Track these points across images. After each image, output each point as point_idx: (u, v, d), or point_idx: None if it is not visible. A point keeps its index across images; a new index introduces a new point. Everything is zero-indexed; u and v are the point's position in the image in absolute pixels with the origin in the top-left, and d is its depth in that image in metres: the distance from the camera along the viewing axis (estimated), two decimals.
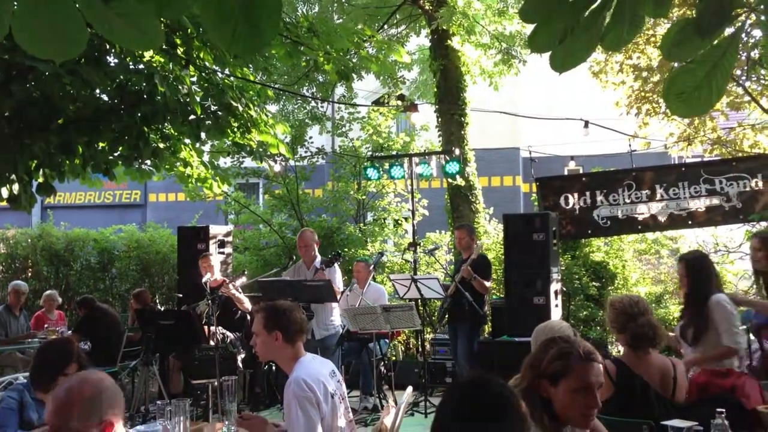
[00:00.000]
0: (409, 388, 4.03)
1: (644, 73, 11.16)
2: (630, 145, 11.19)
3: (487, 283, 7.33)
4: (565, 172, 13.12)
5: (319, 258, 6.89)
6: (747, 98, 10.34)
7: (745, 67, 9.70)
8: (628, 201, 8.50)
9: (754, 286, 5.15)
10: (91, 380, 2.30)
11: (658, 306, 8.93)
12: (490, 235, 10.25)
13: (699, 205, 8.30)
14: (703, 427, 2.98)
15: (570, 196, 8.65)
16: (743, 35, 9.64)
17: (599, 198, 8.58)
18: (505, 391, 1.88)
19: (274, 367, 7.43)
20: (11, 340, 8.34)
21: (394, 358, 8.55)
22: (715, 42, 1.44)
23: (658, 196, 8.41)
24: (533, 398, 2.43)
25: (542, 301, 7.16)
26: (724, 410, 2.79)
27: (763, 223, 8.83)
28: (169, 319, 6.66)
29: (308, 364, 3.44)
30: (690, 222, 8.47)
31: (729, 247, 9.58)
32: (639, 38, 10.83)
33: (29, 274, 11.95)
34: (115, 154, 6.62)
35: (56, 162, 6.34)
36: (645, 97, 11.44)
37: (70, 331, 8.25)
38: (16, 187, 6.23)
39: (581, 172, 11.31)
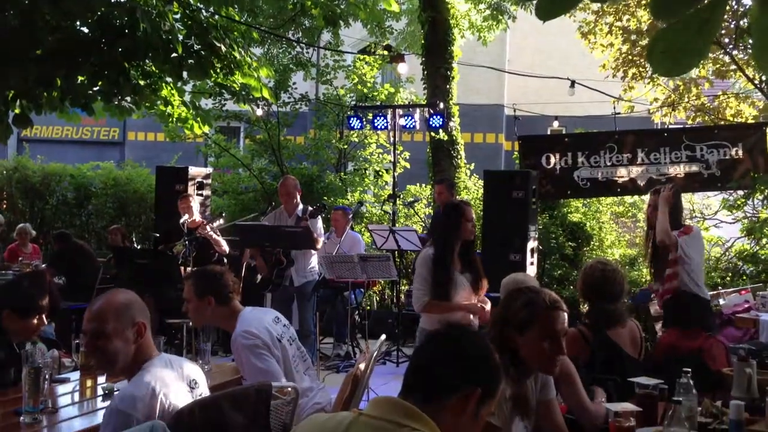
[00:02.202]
0: (383, 337, 4.07)
1: (633, 36, 11.12)
2: (614, 108, 11.20)
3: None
4: (548, 132, 13.14)
5: (300, 206, 6.88)
6: (733, 67, 10.35)
7: (733, 36, 9.69)
8: (608, 164, 8.53)
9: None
10: (123, 292, 2.62)
11: (631, 268, 9.04)
12: (470, 191, 10.27)
13: (678, 171, 8.35)
14: (668, 386, 3.04)
15: (551, 156, 8.66)
16: (733, 3, 9.64)
17: (580, 159, 8.60)
18: (482, 341, 1.90)
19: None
20: None
21: (368, 307, 8.62)
22: (704, 3, 1.43)
23: (639, 160, 8.45)
24: (501, 348, 2.47)
25: (518, 258, 7.23)
26: (690, 370, 2.85)
27: (740, 192, 8.95)
28: (146, 258, 6.64)
29: (249, 316, 3.43)
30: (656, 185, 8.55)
31: (705, 214, 9.70)
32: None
33: (4, 207, 11.81)
34: (95, 89, 6.49)
35: (34, 94, 6.21)
36: (632, 61, 11.42)
37: (44, 265, 8.20)
38: None
39: (564, 132, 11.33)
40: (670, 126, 11.76)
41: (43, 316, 3.59)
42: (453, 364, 1.80)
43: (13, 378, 3.48)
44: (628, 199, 9.87)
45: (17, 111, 6.32)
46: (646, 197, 9.53)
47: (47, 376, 2.98)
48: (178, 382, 2.54)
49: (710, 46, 1.48)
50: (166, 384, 2.46)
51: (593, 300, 3.68)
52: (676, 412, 2.40)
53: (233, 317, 3.41)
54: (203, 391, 2.67)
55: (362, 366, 3.55)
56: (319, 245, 6.83)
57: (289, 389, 2.89)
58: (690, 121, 11.65)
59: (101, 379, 3.47)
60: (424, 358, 1.86)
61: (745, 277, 8.53)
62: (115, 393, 2.49)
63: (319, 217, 6.91)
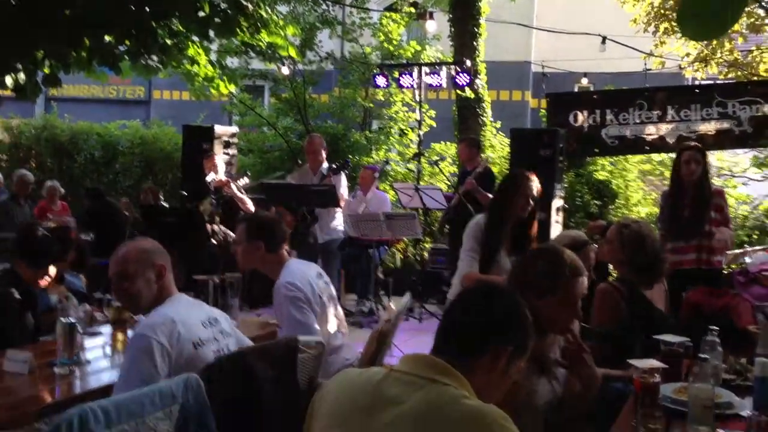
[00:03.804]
0: (408, 294, 4.10)
1: None
2: (645, 65, 10.98)
3: (491, 196, 7.34)
4: (575, 89, 12.95)
5: (325, 164, 6.89)
6: (767, 20, 10.09)
7: None
8: (638, 121, 8.40)
9: None
10: (143, 239, 2.87)
11: (656, 226, 8.96)
12: (496, 149, 10.19)
13: (709, 128, 8.20)
14: (693, 343, 3.04)
15: (579, 114, 8.54)
16: None
17: (609, 117, 8.48)
18: (514, 299, 1.91)
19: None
20: (15, 227, 8.42)
21: (392, 265, 8.67)
22: None
23: (669, 117, 8.31)
24: None
25: (543, 216, 7.16)
26: (717, 328, 2.85)
27: None
28: (174, 216, 6.72)
29: (294, 268, 3.48)
30: (687, 142, 8.42)
31: (733, 172, 9.56)
32: None
33: (33, 165, 11.96)
34: (122, 49, 6.52)
35: (62, 53, 6.25)
36: (664, 15, 11.15)
37: (74, 222, 8.34)
38: (21, 77, 6.18)
39: (593, 89, 11.15)
40: (702, 82, 11.52)
41: (51, 266, 3.71)
42: (485, 322, 1.82)
43: (32, 322, 3.60)
44: (655, 156, 9.73)
45: (46, 71, 6.37)
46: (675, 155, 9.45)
47: (80, 330, 3.06)
48: (195, 315, 2.66)
49: (744, 9, 1.44)
50: (182, 314, 2.58)
51: (629, 257, 3.62)
52: (701, 369, 2.41)
53: (279, 266, 3.46)
54: (224, 328, 2.76)
55: (387, 323, 3.59)
56: (343, 203, 6.85)
57: (315, 344, 2.93)
58: (722, 77, 11.40)
59: (132, 333, 3.55)
60: (456, 316, 1.87)
61: None
62: (138, 324, 2.62)
63: (343, 174, 6.92)
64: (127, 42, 6.33)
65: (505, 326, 1.84)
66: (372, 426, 1.66)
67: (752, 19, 10.40)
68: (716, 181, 7.45)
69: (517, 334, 1.85)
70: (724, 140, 8.25)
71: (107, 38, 6.20)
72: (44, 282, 3.71)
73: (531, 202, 4.20)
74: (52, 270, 3.77)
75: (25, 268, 3.61)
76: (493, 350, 1.79)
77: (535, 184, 4.24)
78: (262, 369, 2.52)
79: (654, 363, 2.60)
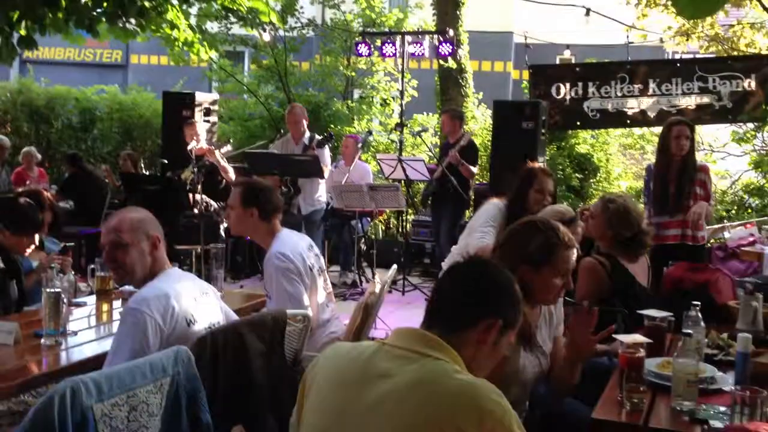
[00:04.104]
0: (394, 267, 4.11)
1: None
2: (627, 37, 10.98)
3: (474, 169, 7.35)
4: (557, 61, 12.92)
5: (308, 134, 6.83)
6: None
7: None
8: (619, 94, 8.42)
9: None
10: (137, 209, 2.77)
11: (638, 200, 9.05)
12: (478, 121, 10.18)
13: (689, 102, 8.25)
14: (675, 318, 3.09)
15: (562, 86, 8.54)
16: None
17: (591, 89, 8.49)
18: (503, 272, 1.93)
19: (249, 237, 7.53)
20: None
21: (374, 236, 8.68)
22: None
23: (650, 91, 8.34)
24: None
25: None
26: (699, 303, 2.89)
27: (750, 125, 8.88)
28: (156, 185, 6.65)
29: (286, 238, 3.48)
30: (675, 117, 8.46)
31: (713, 147, 9.65)
32: None
33: (9, 130, 11.73)
34: (99, 11, 6.39)
35: (38, 14, 6.11)
36: None
37: (53, 189, 8.23)
38: None
39: (575, 61, 11.14)
40: (683, 56, 11.56)
41: (35, 234, 3.71)
42: (474, 295, 1.83)
43: (16, 291, 3.58)
44: (636, 130, 9.79)
45: (22, 32, 6.24)
46: (657, 129, 9.52)
47: (65, 300, 3.04)
48: (189, 291, 2.63)
49: None
50: (176, 289, 2.55)
51: (614, 231, 3.66)
52: (685, 344, 2.44)
53: (271, 235, 3.45)
54: (213, 300, 2.75)
55: (372, 295, 3.60)
56: (326, 174, 6.82)
57: (300, 317, 2.94)
58: (703, 51, 11.45)
59: (116, 304, 3.54)
60: (446, 290, 1.88)
61: (750, 211, 8.56)
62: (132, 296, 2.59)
63: (327, 146, 6.88)
64: (105, 4, 6.21)
65: (495, 299, 1.85)
66: (363, 400, 1.67)
67: None
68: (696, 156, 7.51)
69: (507, 307, 1.87)
70: (704, 115, 8.30)
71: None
72: (28, 250, 3.67)
73: (549, 198, 4.25)
74: (36, 237, 3.73)
75: (10, 236, 3.57)
76: (483, 323, 1.80)
77: (552, 180, 4.31)
78: (253, 341, 2.53)
79: (639, 338, 2.64)
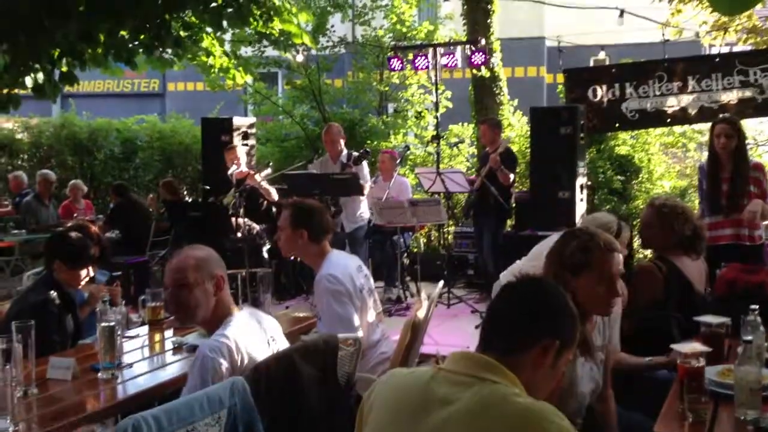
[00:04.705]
0: (440, 283, 4.09)
1: None
2: (663, 35, 10.81)
3: (512, 176, 7.31)
4: (591, 63, 12.79)
5: (345, 152, 6.87)
6: None
7: None
8: (658, 93, 8.28)
9: None
10: (198, 247, 2.70)
11: (683, 199, 8.88)
12: (514, 128, 10.11)
13: (731, 97, 8.07)
14: (731, 323, 3.01)
15: (598, 88, 8.43)
16: None
17: (628, 90, 8.37)
18: (558, 292, 1.90)
19: (299, 258, 7.57)
20: (42, 227, 8.51)
21: (416, 250, 8.67)
22: None
23: (690, 88, 8.18)
24: None
25: (567, 195, 7.15)
26: (757, 307, 2.81)
27: None
28: (199, 211, 6.74)
29: (336, 260, 3.48)
30: (720, 115, 8.29)
31: (757, 140, 9.43)
32: None
33: (54, 164, 12.04)
34: (137, 43, 6.52)
35: (78, 50, 6.26)
36: None
37: (100, 220, 8.40)
38: (40, 76, 6.20)
39: (609, 62, 10.99)
40: (721, 51, 11.33)
41: (90, 267, 3.76)
42: (530, 316, 1.80)
43: (72, 325, 3.65)
44: (677, 128, 9.61)
45: (63, 69, 6.39)
46: (698, 126, 9.36)
47: (119, 333, 3.08)
48: (259, 337, 2.59)
49: None
50: (247, 340, 2.51)
51: (675, 232, 3.59)
52: (746, 351, 2.38)
53: (321, 257, 3.46)
54: (280, 345, 2.73)
55: (420, 312, 3.58)
56: (366, 191, 6.84)
57: (351, 341, 2.93)
58: (741, 43, 11.22)
59: (168, 333, 3.58)
60: (501, 311, 1.86)
61: None
62: (202, 343, 2.55)
63: (364, 162, 6.91)
64: (142, 36, 6.33)
65: (552, 320, 1.82)
66: (424, 427, 1.65)
67: None
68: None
69: (564, 327, 1.84)
70: (747, 108, 8.11)
71: (121, 33, 6.20)
72: (82, 283, 3.74)
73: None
74: (88, 270, 3.80)
75: (65, 270, 3.64)
76: (540, 345, 1.77)
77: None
78: (306, 367, 2.53)
79: (697, 347, 2.58)
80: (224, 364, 2.39)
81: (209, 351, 2.44)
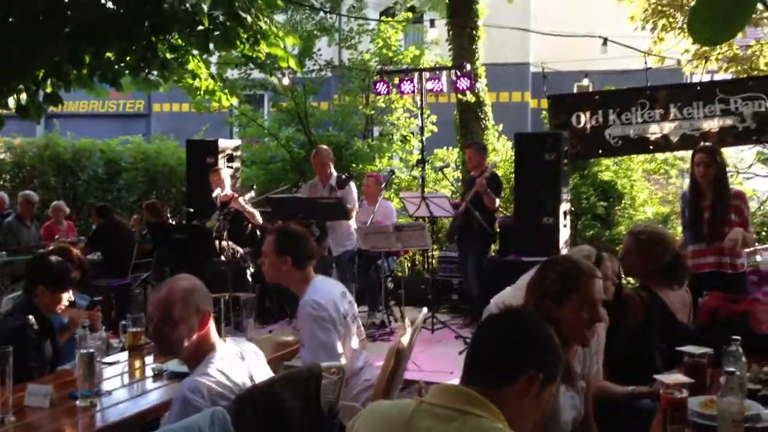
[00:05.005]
0: (424, 309, 4.08)
1: None
2: (645, 62, 10.97)
3: (497, 201, 7.34)
4: (575, 89, 12.92)
5: (335, 175, 6.88)
6: (767, 14, 10.06)
7: None
8: (640, 120, 8.38)
9: None
10: (185, 278, 2.62)
11: (665, 226, 8.95)
12: (499, 153, 10.17)
13: (712, 125, 8.18)
14: (714, 352, 3.02)
15: (582, 115, 8.52)
16: None
17: (611, 117, 8.45)
18: (541, 324, 1.89)
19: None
20: (24, 249, 8.41)
21: (400, 274, 8.65)
22: None
23: (672, 116, 8.28)
24: None
25: (551, 221, 7.18)
26: (739, 337, 2.82)
27: None
28: (183, 233, 6.71)
29: (320, 286, 3.46)
30: (702, 142, 8.39)
31: (738, 168, 9.54)
32: None
33: (36, 184, 11.94)
34: (122, 64, 6.51)
35: (63, 72, 6.24)
36: (661, 11, 11.15)
37: (82, 242, 8.32)
38: (24, 97, 6.17)
39: (593, 88, 11.12)
40: (703, 79, 11.50)
41: (69, 291, 3.73)
42: (514, 350, 1.80)
43: (51, 350, 3.60)
44: (659, 155, 9.71)
45: (48, 90, 6.36)
46: (681, 153, 9.46)
47: (98, 359, 3.04)
48: (242, 374, 2.56)
49: (752, 13, 1.46)
50: (231, 378, 2.48)
51: (653, 260, 3.60)
52: (728, 382, 2.39)
53: (305, 282, 3.44)
54: (262, 378, 2.68)
55: (403, 339, 3.56)
56: (353, 215, 6.83)
57: (335, 369, 2.91)
58: (722, 72, 11.38)
59: (149, 359, 3.54)
60: (485, 344, 1.85)
61: None
62: (185, 381, 2.50)
63: (353, 185, 6.92)
64: (128, 57, 6.33)
65: (535, 353, 1.82)
66: None
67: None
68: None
69: (548, 359, 1.84)
70: (728, 137, 8.22)
71: (107, 54, 6.19)
72: (62, 307, 3.70)
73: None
74: (69, 294, 3.76)
75: (47, 294, 3.60)
76: (524, 378, 1.77)
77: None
78: (289, 397, 2.51)
79: (680, 378, 2.58)
80: (204, 405, 2.34)
81: (189, 392, 2.40)
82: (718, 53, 11.14)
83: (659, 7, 11.03)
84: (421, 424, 1.68)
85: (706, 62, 11.13)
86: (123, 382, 3.28)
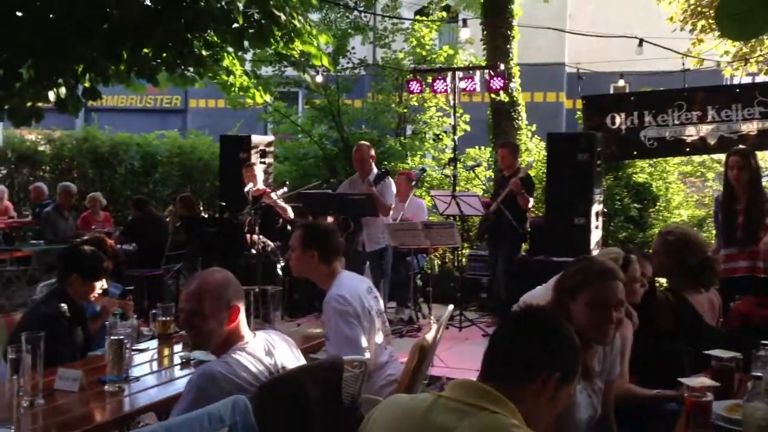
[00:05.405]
0: (450, 307, 4.08)
1: None
2: (683, 64, 10.80)
3: (531, 201, 7.31)
4: (611, 90, 12.79)
5: (375, 171, 6.92)
6: None
7: None
8: (677, 122, 8.26)
9: None
10: (219, 271, 2.65)
11: (700, 229, 8.81)
12: (531, 153, 10.11)
13: (751, 128, 8.04)
14: (743, 357, 2.98)
15: (617, 116, 8.43)
16: None
17: (647, 119, 8.35)
18: (562, 324, 1.89)
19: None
20: (60, 239, 8.60)
21: (429, 271, 8.65)
22: None
23: (709, 118, 8.16)
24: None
25: (583, 221, 7.13)
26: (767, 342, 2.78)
27: None
28: (215, 227, 6.80)
29: (346, 281, 3.49)
30: (740, 145, 8.25)
31: None
32: None
33: (75, 176, 12.19)
34: (159, 61, 6.61)
35: (101, 67, 6.36)
36: (701, 12, 10.98)
37: (118, 232, 8.48)
38: (63, 91, 6.30)
39: (629, 89, 10.98)
40: (742, 82, 11.30)
41: (102, 281, 3.79)
42: (534, 349, 1.80)
43: (82, 337, 3.68)
44: (696, 158, 9.57)
45: (86, 84, 6.49)
46: (717, 156, 9.29)
47: (128, 346, 3.11)
48: (266, 364, 2.57)
49: None
50: (254, 369, 2.50)
51: (678, 261, 3.56)
52: (755, 387, 2.35)
53: (331, 277, 3.47)
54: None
55: (428, 335, 3.57)
56: (390, 212, 6.84)
57: (357, 363, 2.93)
58: (762, 74, 11.17)
59: (177, 347, 3.60)
60: (503, 341, 1.86)
61: None
62: (202, 365, 2.55)
63: (391, 181, 6.93)
64: (164, 54, 6.42)
65: (554, 352, 1.82)
66: None
67: None
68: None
69: (566, 360, 1.84)
70: (766, 140, 8.07)
71: (144, 50, 6.30)
72: (94, 296, 3.78)
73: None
74: (102, 283, 3.83)
75: (79, 283, 3.68)
76: (542, 377, 1.77)
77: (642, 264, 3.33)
78: (311, 389, 2.53)
79: (706, 381, 2.55)
80: (220, 392, 2.35)
81: (198, 377, 2.44)
82: (758, 55, 10.94)
83: (699, 8, 10.86)
84: (437, 417, 1.69)
85: (745, 64, 10.94)
86: (152, 368, 3.35)
